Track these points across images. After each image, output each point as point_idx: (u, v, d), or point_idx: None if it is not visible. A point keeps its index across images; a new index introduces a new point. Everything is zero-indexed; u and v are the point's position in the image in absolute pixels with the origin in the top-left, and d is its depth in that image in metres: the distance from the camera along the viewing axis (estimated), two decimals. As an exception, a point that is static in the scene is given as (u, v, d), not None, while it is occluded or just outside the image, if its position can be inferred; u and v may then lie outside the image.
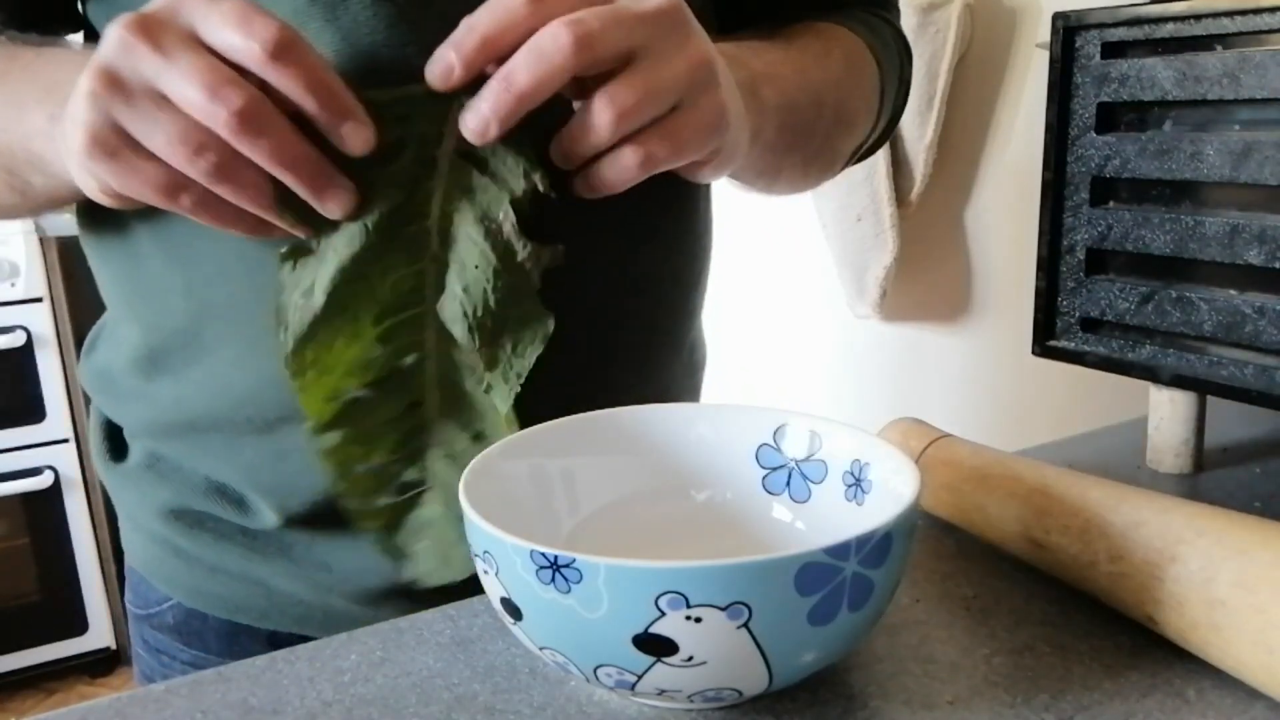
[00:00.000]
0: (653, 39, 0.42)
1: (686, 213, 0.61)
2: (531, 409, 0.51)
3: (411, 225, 0.45)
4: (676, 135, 0.43)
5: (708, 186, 0.64)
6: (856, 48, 0.64)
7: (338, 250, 0.45)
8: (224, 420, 0.54)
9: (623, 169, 0.43)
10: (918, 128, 1.22)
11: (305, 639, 0.46)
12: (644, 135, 0.43)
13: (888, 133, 0.72)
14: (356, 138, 0.42)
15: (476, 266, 0.45)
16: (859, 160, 0.72)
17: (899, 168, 1.25)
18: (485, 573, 0.37)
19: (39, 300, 2.00)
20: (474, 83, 0.42)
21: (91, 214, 0.58)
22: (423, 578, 0.52)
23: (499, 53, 0.41)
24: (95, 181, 0.43)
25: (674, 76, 0.42)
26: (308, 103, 0.40)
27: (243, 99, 0.39)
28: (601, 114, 0.41)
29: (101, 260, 0.58)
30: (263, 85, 0.40)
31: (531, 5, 0.40)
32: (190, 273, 0.53)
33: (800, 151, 0.61)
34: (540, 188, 0.44)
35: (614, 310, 0.56)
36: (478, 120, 0.42)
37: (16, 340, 1.97)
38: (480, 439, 0.49)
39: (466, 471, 0.41)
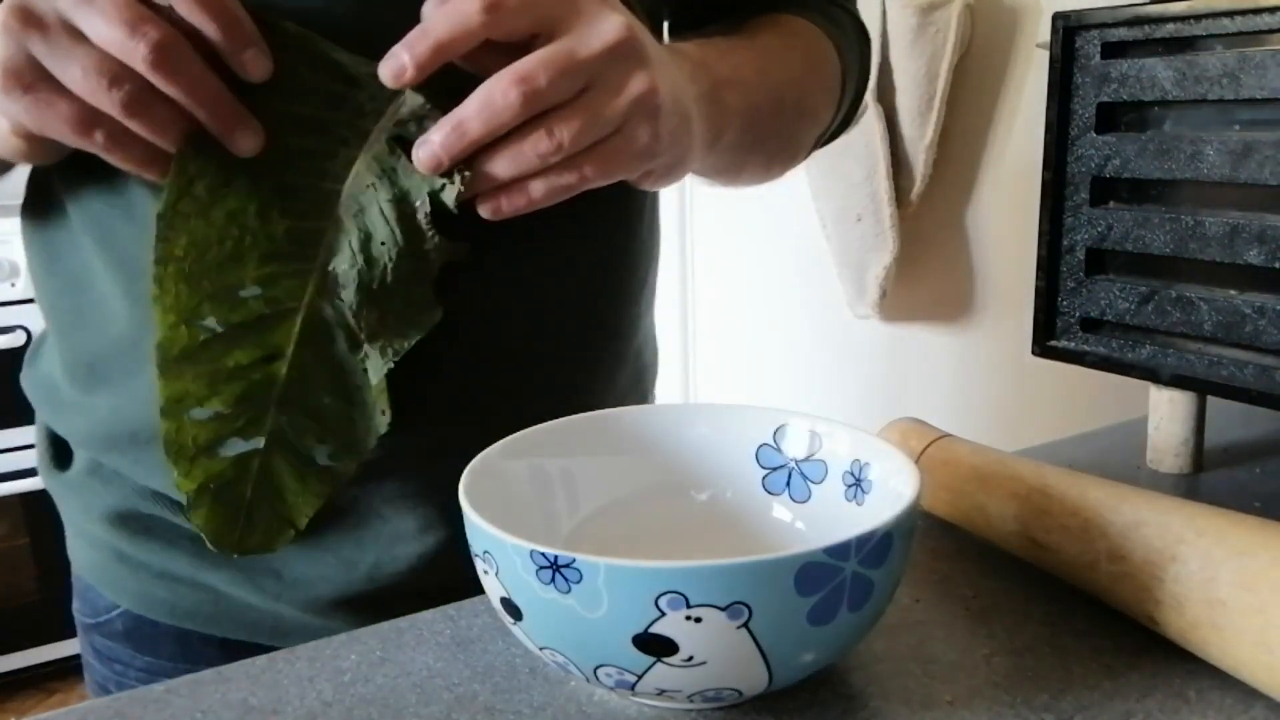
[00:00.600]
0: (602, 75, 0.43)
1: (626, 211, 0.61)
2: (461, 407, 0.52)
3: (325, 183, 0.46)
4: (604, 163, 0.45)
5: (647, 218, 0.65)
6: (817, 40, 0.65)
7: (246, 179, 0.45)
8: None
9: (550, 190, 0.45)
10: (918, 128, 1.22)
11: (258, 648, 0.46)
12: (577, 158, 0.44)
13: (849, 118, 0.73)
14: (256, 65, 0.43)
15: (383, 243, 0.46)
16: (823, 145, 0.73)
17: (899, 168, 1.25)
18: (485, 573, 0.37)
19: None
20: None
21: (35, 221, 0.57)
22: (210, 538, 0.50)
23: (450, 57, 0.43)
24: (8, 121, 0.43)
25: (610, 113, 0.44)
26: (210, 28, 0.41)
27: (160, 34, 0.40)
28: (541, 143, 0.43)
29: (44, 269, 0.57)
30: (178, 24, 0.41)
31: (486, 17, 0.41)
32: (133, 280, 0.52)
33: (762, 150, 0.62)
34: (463, 188, 0.45)
35: (551, 309, 0.56)
36: (429, 155, 0.44)
37: (16, 340, 1.97)
38: (341, 403, 0.48)
39: (466, 471, 0.41)
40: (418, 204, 0.46)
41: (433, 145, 0.43)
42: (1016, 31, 1.17)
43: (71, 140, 0.42)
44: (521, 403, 0.55)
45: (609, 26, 0.43)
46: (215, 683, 0.41)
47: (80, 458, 0.60)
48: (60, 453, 0.62)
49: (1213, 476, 0.60)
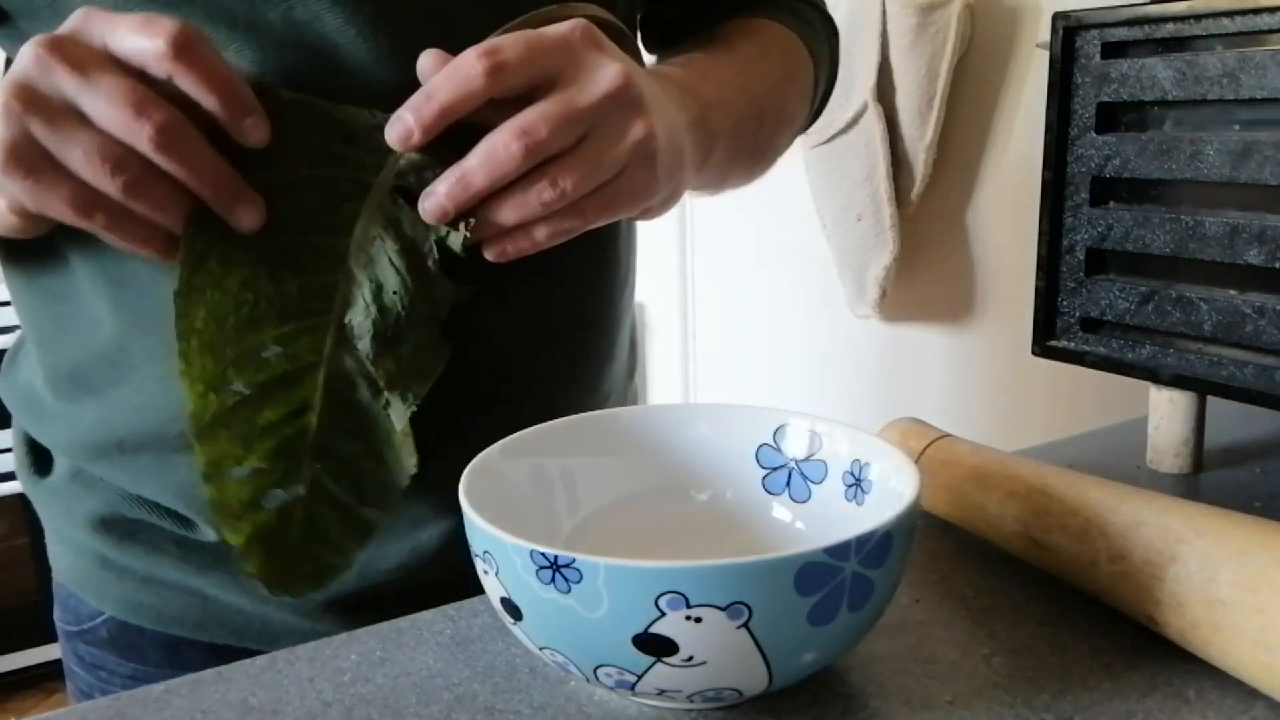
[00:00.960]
0: (602, 122, 0.44)
1: (594, 237, 0.62)
2: (454, 407, 0.52)
3: (334, 238, 0.47)
4: (605, 206, 0.46)
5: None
6: (791, 44, 0.66)
7: (256, 245, 0.46)
8: (153, 438, 0.54)
9: (554, 233, 0.46)
10: (918, 128, 1.22)
11: (245, 652, 0.46)
12: (580, 202, 0.45)
13: (819, 113, 0.74)
14: (256, 132, 0.44)
15: (395, 291, 0.47)
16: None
17: (899, 168, 1.25)
18: (485, 573, 0.37)
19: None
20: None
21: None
22: (265, 585, 0.50)
23: (455, 119, 0.44)
24: (6, 200, 0.43)
25: (610, 159, 0.45)
26: (210, 100, 0.41)
27: (164, 116, 0.40)
28: (545, 192, 0.44)
29: (23, 279, 0.57)
30: (175, 101, 0.41)
31: (488, 78, 0.42)
32: (119, 288, 0.52)
33: (745, 161, 0.63)
34: (468, 235, 0.45)
35: (544, 310, 0.57)
36: (435, 206, 0.44)
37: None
38: (371, 448, 0.49)
39: (467, 471, 0.41)
40: (425, 251, 0.47)
41: (438, 197, 0.44)
42: (1016, 31, 1.17)
43: (70, 220, 0.42)
44: (516, 402, 0.55)
45: (606, 75, 0.44)
46: (215, 683, 0.41)
47: (61, 464, 0.59)
48: (40, 459, 0.61)
49: (1213, 476, 0.60)
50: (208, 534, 0.56)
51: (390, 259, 0.47)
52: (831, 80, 0.73)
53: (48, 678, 2.17)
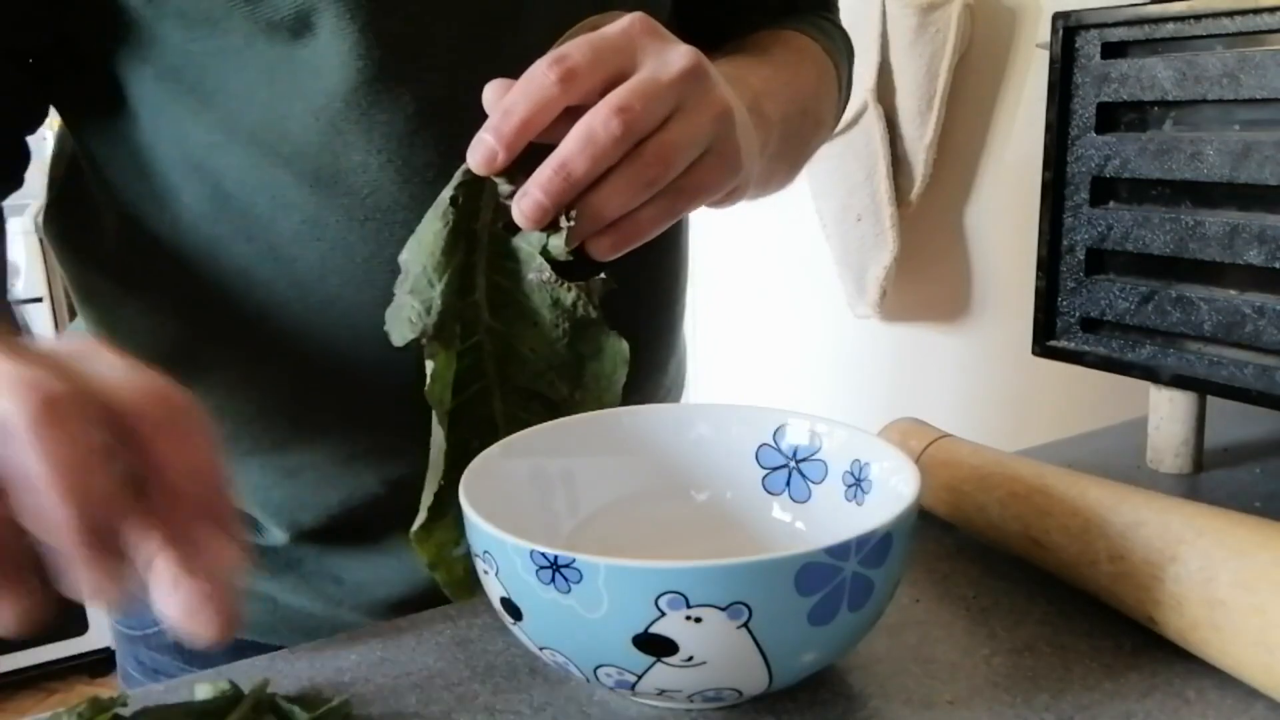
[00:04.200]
0: (685, 98, 0.44)
1: (667, 236, 0.62)
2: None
3: (461, 302, 0.46)
4: (698, 185, 0.45)
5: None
6: (819, 54, 0.66)
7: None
8: (226, 441, 0.53)
9: (658, 218, 0.45)
10: (918, 128, 1.22)
11: None
12: (678, 181, 0.44)
13: (835, 125, 0.74)
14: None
15: (535, 324, 0.46)
16: None
17: (899, 168, 1.25)
18: (485, 573, 0.37)
19: (39, 300, 2.00)
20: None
21: (68, 232, 0.57)
22: (452, 594, 0.50)
23: (535, 133, 0.42)
24: None
25: (699, 133, 0.44)
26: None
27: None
28: (647, 170, 0.43)
29: (83, 280, 0.57)
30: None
31: (562, 86, 0.41)
32: (183, 294, 0.52)
33: (791, 158, 0.63)
34: (570, 233, 0.44)
35: (614, 306, 0.56)
36: (534, 207, 0.42)
37: (17, 340, 1.97)
38: None
39: (466, 471, 0.41)
40: (539, 270, 0.46)
41: (533, 195, 0.42)
42: (1016, 31, 1.17)
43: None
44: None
45: (678, 54, 0.44)
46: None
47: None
48: None
49: (1213, 476, 0.60)
50: (279, 537, 0.55)
51: (517, 296, 0.46)
52: (847, 96, 0.73)
53: (48, 678, 2.17)
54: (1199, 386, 0.57)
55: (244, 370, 0.52)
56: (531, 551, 0.34)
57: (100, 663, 2.22)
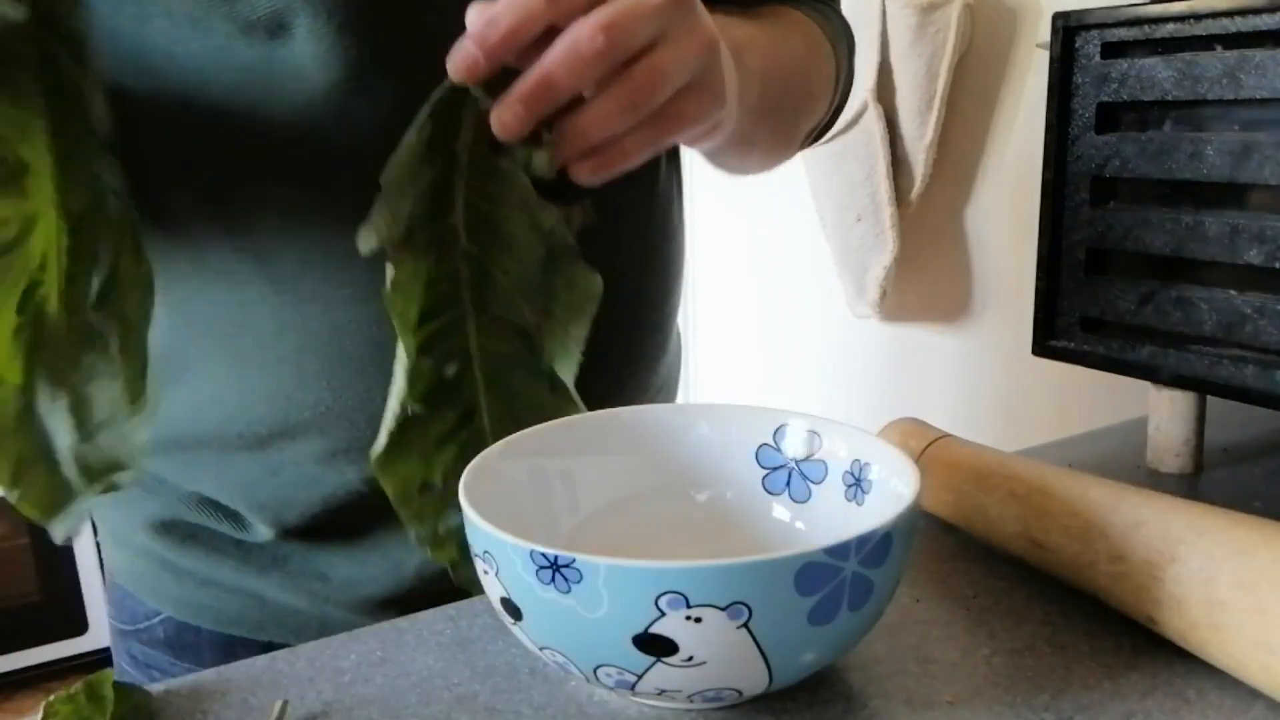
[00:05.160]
0: (668, 26, 0.43)
1: (658, 219, 0.62)
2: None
3: (437, 223, 0.45)
4: (682, 114, 0.44)
5: (679, 198, 0.66)
6: (814, 32, 0.66)
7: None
8: (212, 438, 0.54)
9: (642, 143, 0.44)
10: (918, 128, 1.22)
11: None
12: (665, 107, 0.44)
13: (834, 120, 0.74)
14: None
15: (511, 248, 0.45)
16: (812, 143, 0.74)
17: (899, 168, 1.25)
18: (485, 573, 0.37)
19: (39, 300, 1.99)
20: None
21: None
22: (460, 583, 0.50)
23: (518, 45, 0.42)
24: None
25: (685, 60, 0.43)
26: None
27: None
28: (626, 97, 0.42)
29: None
30: None
31: (549, 1, 0.41)
32: (170, 289, 0.52)
33: (773, 121, 0.62)
34: (552, 152, 0.43)
35: (606, 302, 0.57)
36: (514, 117, 0.42)
37: (16, 340, 1.97)
38: (550, 415, 0.48)
39: (466, 471, 0.41)
40: (522, 192, 0.45)
41: (513, 103, 0.41)
42: (1016, 31, 1.17)
43: None
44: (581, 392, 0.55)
45: None
46: (215, 683, 0.41)
47: None
48: None
49: (1213, 476, 0.60)
50: (265, 534, 0.56)
51: (496, 217, 0.45)
52: (848, 85, 0.72)
53: (48, 678, 2.17)
54: (1199, 386, 0.57)
55: (227, 366, 0.52)
56: (531, 551, 0.34)
57: (100, 663, 2.22)
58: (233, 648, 0.59)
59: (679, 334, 0.70)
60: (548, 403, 0.48)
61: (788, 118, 0.64)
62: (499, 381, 0.47)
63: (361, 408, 0.52)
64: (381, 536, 0.55)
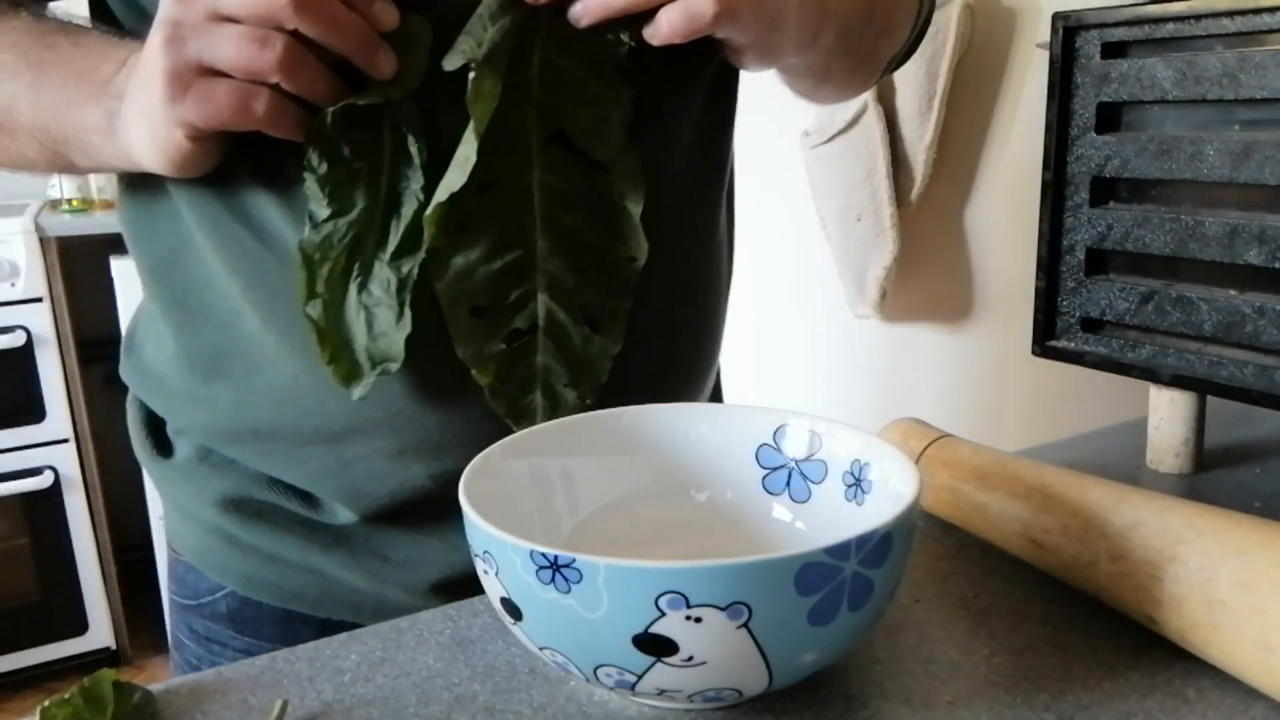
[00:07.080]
0: None
1: (712, 223, 0.65)
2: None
3: (513, 75, 0.48)
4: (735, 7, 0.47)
5: (731, 229, 0.72)
6: None
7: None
8: (287, 430, 0.55)
9: (696, 13, 0.46)
10: (918, 128, 1.22)
11: (357, 627, 0.47)
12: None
13: (918, 43, 0.75)
14: (387, 66, 0.46)
15: (582, 102, 0.49)
16: (894, 69, 0.76)
17: (899, 168, 1.25)
18: (485, 573, 0.37)
19: (39, 300, 1.99)
20: None
21: (143, 221, 0.58)
22: (511, 423, 0.53)
23: None
24: (179, 129, 0.46)
25: None
26: (338, 44, 0.45)
27: None
28: None
29: (160, 267, 0.58)
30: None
31: None
32: (252, 288, 0.54)
33: (851, 57, 0.65)
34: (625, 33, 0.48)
35: (658, 315, 0.58)
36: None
37: (16, 340, 1.97)
38: (584, 274, 0.52)
39: (467, 471, 0.41)
40: (593, 58, 0.49)
41: None
42: (1016, 31, 1.17)
43: (235, 122, 0.45)
44: (630, 397, 0.56)
45: None
46: (215, 683, 0.41)
47: (187, 444, 0.61)
48: (160, 439, 0.63)
49: (1213, 476, 0.60)
50: (335, 515, 0.57)
51: (576, 79, 0.49)
52: (929, 14, 0.74)
53: (48, 678, 2.17)
54: (1199, 386, 0.57)
55: (307, 363, 0.53)
56: (531, 551, 0.34)
57: (100, 663, 2.22)
58: (292, 623, 0.60)
59: (719, 370, 0.71)
60: (596, 249, 0.52)
61: (867, 52, 0.66)
62: (555, 217, 0.50)
63: (431, 410, 0.53)
64: (440, 520, 0.57)
